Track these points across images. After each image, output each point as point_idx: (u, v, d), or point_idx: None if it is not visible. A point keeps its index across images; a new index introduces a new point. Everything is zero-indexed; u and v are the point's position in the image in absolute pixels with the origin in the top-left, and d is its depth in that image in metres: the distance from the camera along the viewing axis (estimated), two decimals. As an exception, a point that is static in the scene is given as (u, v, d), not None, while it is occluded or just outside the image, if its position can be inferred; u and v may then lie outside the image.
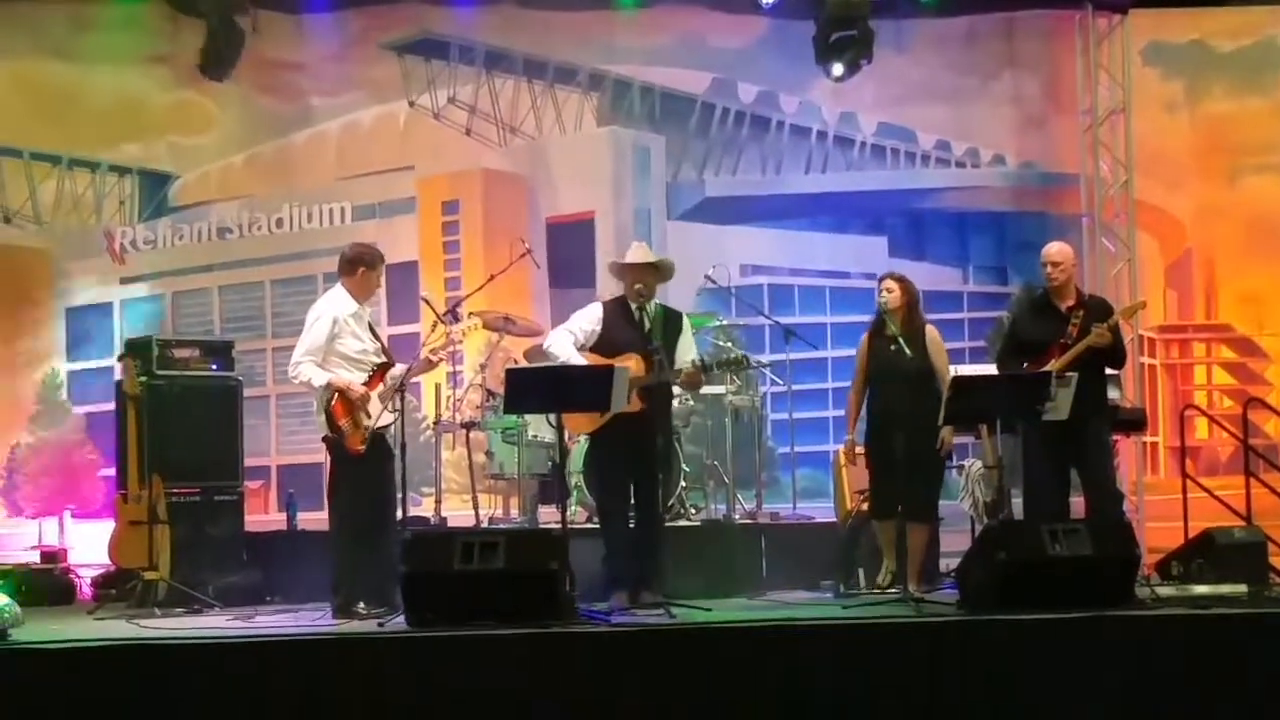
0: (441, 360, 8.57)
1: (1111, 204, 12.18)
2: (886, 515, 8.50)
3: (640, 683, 6.64)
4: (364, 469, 8.10)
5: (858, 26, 11.66)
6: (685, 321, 8.61)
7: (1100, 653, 6.79)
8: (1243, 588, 8.27)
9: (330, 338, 8.12)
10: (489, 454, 10.31)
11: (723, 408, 10.35)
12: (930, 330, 8.73)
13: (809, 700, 6.64)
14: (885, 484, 8.48)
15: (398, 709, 6.52)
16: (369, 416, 8.06)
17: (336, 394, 8.04)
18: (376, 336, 8.38)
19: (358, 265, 8.31)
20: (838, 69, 11.98)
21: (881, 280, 8.72)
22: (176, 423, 9.51)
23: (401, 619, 7.19)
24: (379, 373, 8.20)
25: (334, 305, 8.24)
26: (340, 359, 8.14)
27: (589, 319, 8.42)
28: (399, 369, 8.26)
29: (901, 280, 8.71)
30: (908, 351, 8.48)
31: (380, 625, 7.27)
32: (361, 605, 7.99)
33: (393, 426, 8.24)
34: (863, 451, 8.84)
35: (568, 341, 8.29)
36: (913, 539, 8.39)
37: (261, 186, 12.88)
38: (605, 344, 8.31)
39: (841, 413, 9.59)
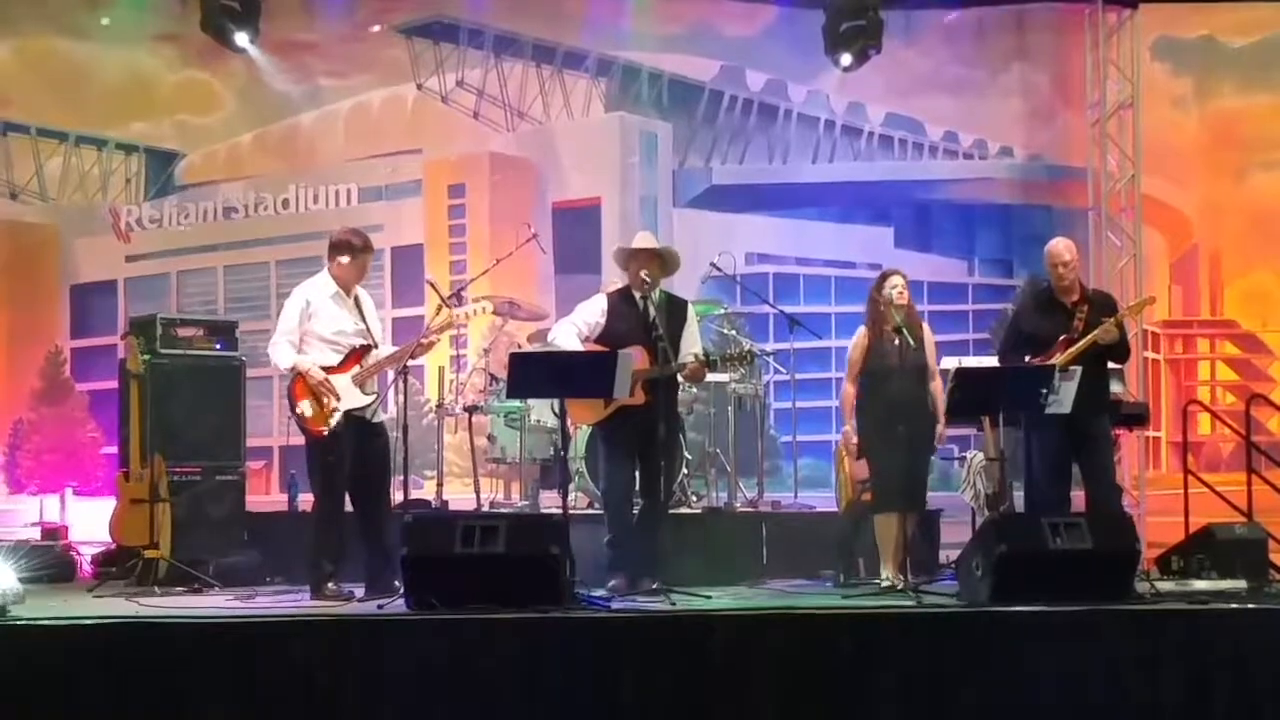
0: (435, 342, 8.53)
1: (1118, 198, 12.14)
2: (891, 508, 8.48)
3: (639, 669, 6.64)
4: (337, 450, 8.06)
5: (867, 17, 11.59)
6: (690, 311, 8.58)
7: (1099, 646, 6.79)
8: (1242, 584, 8.29)
9: (303, 318, 8.13)
10: (491, 438, 10.31)
11: (725, 396, 10.33)
12: (924, 323, 8.71)
13: (808, 689, 6.64)
14: (890, 476, 8.44)
15: (396, 691, 6.52)
16: (337, 399, 8.04)
17: (296, 376, 8.07)
18: (364, 319, 8.27)
19: (334, 253, 8.24)
20: (846, 59, 11.91)
21: (888, 276, 8.59)
22: (179, 402, 9.53)
23: (401, 602, 7.19)
24: (354, 355, 8.16)
25: (309, 286, 8.26)
26: (317, 339, 8.14)
27: (594, 311, 8.40)
28: (381, 352, 8.23)
29: (905, 276, 8.68)
30: (911, 344, 8.47)
31: (380, 607, 7.28)
32: (330, 585, 8.00)
33: (375, 409, 8.22)
34: (856, 443, 8.76)
35: (571, 334, 8.28)
36: (911, 528, 8.45)
37: (268, 167, 12.90)
38: (610, 336, 8.27)
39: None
